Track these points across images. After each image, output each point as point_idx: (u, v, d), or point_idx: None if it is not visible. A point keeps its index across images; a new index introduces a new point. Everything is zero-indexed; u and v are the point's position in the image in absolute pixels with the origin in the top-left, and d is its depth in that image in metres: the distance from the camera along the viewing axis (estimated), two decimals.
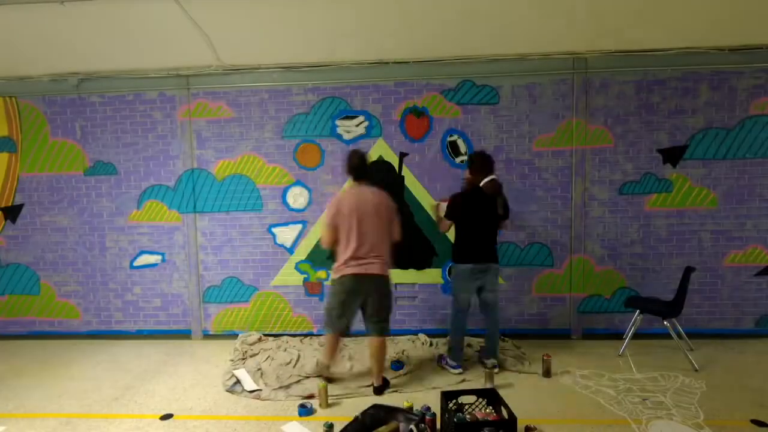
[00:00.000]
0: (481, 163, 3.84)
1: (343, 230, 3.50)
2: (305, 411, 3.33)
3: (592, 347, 4.48)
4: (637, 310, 4.27)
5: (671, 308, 4.12)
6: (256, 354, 4.47)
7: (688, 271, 4.12)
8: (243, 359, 4.34)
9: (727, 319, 4.65)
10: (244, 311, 4.97)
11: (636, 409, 3.32)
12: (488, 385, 3.58)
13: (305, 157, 4.79)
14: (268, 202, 4.85)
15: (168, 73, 4.78)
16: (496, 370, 3.84)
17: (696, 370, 3.89)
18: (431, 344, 4.61)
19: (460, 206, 3.82)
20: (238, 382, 3.87)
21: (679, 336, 4.18)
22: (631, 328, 4.29)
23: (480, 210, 3.80)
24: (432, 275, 4.81)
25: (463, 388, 3.50)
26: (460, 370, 3.96)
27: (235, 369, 4.10)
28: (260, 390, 3.75)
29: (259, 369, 4.09)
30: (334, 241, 3.57)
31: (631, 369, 3.99)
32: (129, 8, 4.01)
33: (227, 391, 3.76)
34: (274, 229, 4.87)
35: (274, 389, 3.75)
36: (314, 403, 3.47)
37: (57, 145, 4.94)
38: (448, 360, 4.03)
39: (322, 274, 4.85)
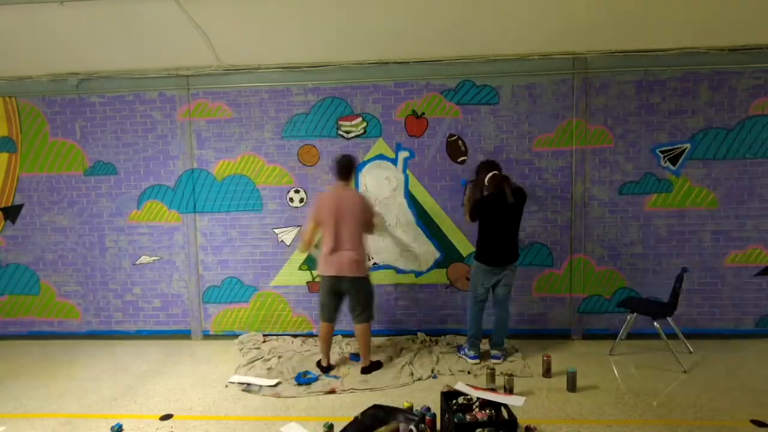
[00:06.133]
0: (485, 166, 4.05)
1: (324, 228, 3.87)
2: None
3: (592, 347, 4.48)
4: (630, 311, 4.27)
5: (663, 309, 4.11)
6: (260, 350, 4.50)
7: (681, 272, 4.11)
8: (253, 361, 4.29)
9: (728, 319, 4.64)
10: (244, 311, 4.97)
11: (635, 409, 3.32)
12: (489, 385, 3.59)
13: (306, 157, 4.79)
14: (268, 202, 4.85)
15: (168, 73, 4.78)
16: (499, 361, 4.12)
17: (684, 371, 3.86)
18: (430, 341, 4.62)
19: (483, 209, 3.98)
20: (249, 384, 3.84)
21: (676, 336, 4.17)
22: (624, 329, 4.30)
23: (501, 214, 3.94)
24: (432, 275, 4.81)
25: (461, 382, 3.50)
26: (478, 360, 4.15)
27: (241, 373, 4.06)
28: (280, 383, 3.79)
29: (269, 369, 4.08)
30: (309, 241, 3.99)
31: (630, 369, 3.99)
32: (128, 8, 4.01)
33: (243, 390, 3.74)
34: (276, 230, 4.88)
35: (295, 385, 3.77)
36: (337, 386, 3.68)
37: (57, 145, 4.94)
38: (466, 350, 4.21)
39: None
